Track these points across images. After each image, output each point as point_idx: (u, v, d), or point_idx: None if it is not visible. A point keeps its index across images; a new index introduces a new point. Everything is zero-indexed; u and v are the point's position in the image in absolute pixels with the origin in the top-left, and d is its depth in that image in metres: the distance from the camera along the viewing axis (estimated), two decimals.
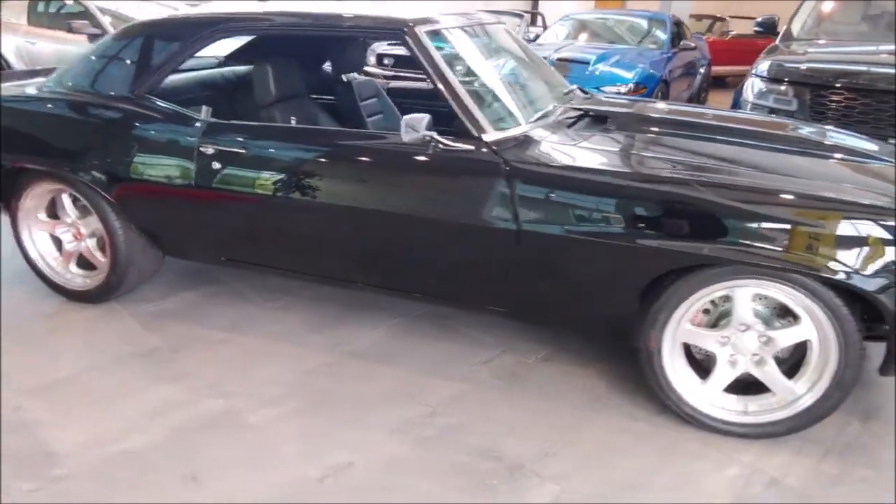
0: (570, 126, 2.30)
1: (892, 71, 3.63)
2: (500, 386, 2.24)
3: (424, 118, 1.96)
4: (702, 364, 2.04)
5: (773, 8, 12.18)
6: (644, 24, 6.96)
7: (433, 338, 2.54)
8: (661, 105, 2.79)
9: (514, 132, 2.08)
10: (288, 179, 2.20)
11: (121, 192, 2.40)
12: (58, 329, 2.54)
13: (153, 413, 2.04)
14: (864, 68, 3.81)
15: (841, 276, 1.68)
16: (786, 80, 4.05)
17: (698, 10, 11.33)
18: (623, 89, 5.60)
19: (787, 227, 1.72)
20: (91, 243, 2.66)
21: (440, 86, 2.06)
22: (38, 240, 2.71)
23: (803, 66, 4.00)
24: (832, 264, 1.69)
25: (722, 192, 1.79)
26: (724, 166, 1.97)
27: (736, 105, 4.30)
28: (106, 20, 6.27)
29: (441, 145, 2.00)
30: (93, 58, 2.52)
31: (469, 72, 2.20)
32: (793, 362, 1.96)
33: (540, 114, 2.27)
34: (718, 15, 11.31)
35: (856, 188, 1.88)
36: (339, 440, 1.94)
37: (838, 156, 2.22)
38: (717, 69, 9.71)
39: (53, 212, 2.72)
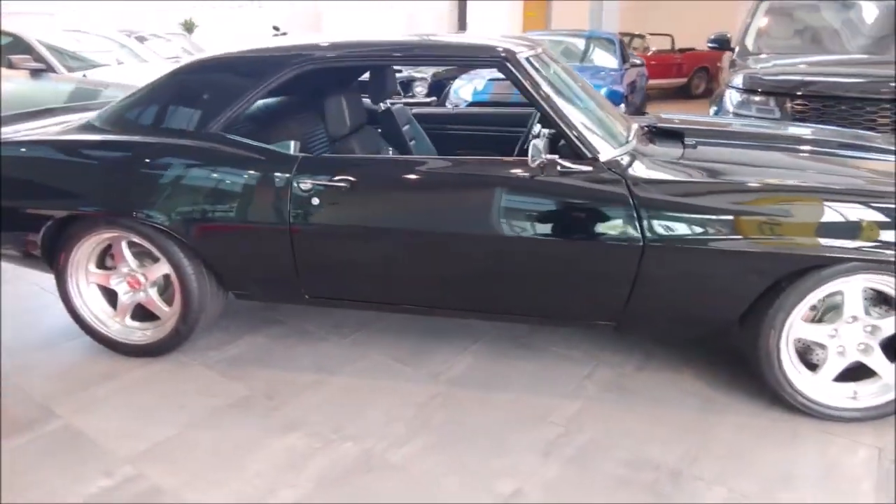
0: (651, 143, 2.42)
1: (863, 80, 4.06)
2: (613, 398, 2.29)
3: (542, 141, 2.01)
4: (803, 356, 2.19)
5: (684, 25, 13.11)
6: (595, 43, 7.32)
7: (523, 359, 2.56)
8: (714, 120, 2.96)
9: (621, 150, 2.16)
10: (399, 210, 2.17)
11: (201, 234, 2.27)
12: (126, 389, 2.35)
13: (288, 465, 1.93)
14: (833, 78, 4.22)
15: None
16: (760, 90, 4.42)
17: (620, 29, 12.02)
18: None
19: None
20: (153, 292, 2.48)
21: (548, 109, 2.11)
22: (89, 295, 2.51)
23: (777, 77, 4.37)
24: None
25: (842, 195, 1.95)
26: (823, 173, 2.15)
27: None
28: (47, 54, 5.85)
29: (560, 167, 2.05)
30: (150, 95, 2.37)
31: (562, 96, 2.26)
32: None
33: (632, 132, 2.37)
34: (637, 32, 12.05)
35: None
36: (493, 469, 1.92)
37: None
38: None
39: (102, 263, 2.53)
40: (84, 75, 5.73)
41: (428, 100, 7.57)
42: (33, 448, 2.02)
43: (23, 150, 2.41)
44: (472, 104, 5.83)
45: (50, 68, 5.79)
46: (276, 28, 10.30)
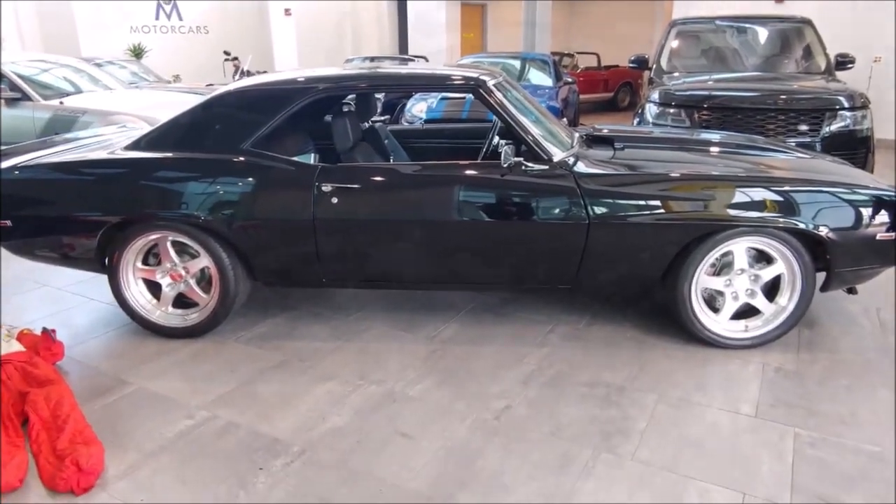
0: (589, 147, 3.12)
1: (754, 94, 4.98)
2: (571, 345, 2.96)
3: (511, 148, 2.67)
4: (709, 302, 2.91)
5: (608, 43, 14.20)
6: (531, 64, 8.13)
7: (498, 323, 3.19)
8: (637, 128, 3.71)
9: (568, 153, 2.85)
10: (400, 205, 2.78)
11: (241, 230, 2.80)
12: (180, 362, 2.85)
13: (331, 402, 2.50)
14: (730, 93, 5.12)
15: (808, 226, 2.63)
16: (673, 103, 5.27)
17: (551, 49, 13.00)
18: None
19: (780, 198, 2.64)
20: (192, 282, 2.99)
21: (512, 124, 2.77)
22: (139, 288, 2.99)
23: (686, 93, 5.23)
24: (803, 220, 2.63)
25: (735, 182, 2.69)
26: (722, 166, 2.91)
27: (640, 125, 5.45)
28: (21, 82, 6.14)
29: (525, 167, 2.71)
30: (191, 120, 2.90)
31: (521, 112, 2.92)
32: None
33: (574, 139, 3.07)
34: (567, 52, 13.06)
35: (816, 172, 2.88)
36: (488, 394, 2.54)
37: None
38: None
39: (146, 260, 3.01)
40: (61, 102, 6.05)
41: (382, 118, 8.19)
42: (119, 406, 2.50)
43: (80, 168, 2.89)
44: (427, 121, 6.49)
45: (26, 96, 6.08)
46: (226, 53, 10.68)
